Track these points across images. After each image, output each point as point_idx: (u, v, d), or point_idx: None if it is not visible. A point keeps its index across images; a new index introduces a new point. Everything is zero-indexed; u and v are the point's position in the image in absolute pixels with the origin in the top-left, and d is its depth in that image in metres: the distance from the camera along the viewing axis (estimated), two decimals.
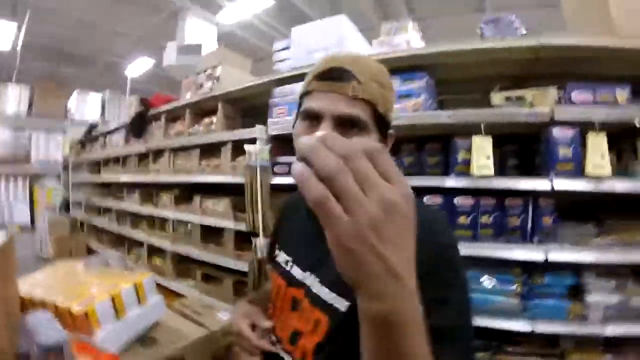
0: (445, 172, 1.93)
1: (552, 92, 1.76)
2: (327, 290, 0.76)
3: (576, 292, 1.73)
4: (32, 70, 10.10)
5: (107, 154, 5.19)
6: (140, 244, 4.16)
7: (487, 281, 1.79)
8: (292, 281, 0.86)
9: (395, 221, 0.35)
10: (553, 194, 1.67)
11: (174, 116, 3.87)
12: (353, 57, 0.79)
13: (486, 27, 1.93)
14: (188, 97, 3.47)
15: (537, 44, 1.68)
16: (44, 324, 0.80)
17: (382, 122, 0.78)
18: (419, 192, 1.90)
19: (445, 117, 1.76)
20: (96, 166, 5.58)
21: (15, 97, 9.79)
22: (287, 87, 2.35)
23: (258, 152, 2.33)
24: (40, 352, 0.70)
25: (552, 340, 1.79)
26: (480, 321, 1.71)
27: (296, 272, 0.86)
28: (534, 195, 1.77)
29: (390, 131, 0.83)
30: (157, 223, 3.93)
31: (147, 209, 4.02)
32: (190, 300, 2.05)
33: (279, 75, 2.44)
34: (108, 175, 5.07)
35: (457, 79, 2.19)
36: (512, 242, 1.80)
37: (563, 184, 1.60)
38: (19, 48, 8.21)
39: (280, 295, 0.89)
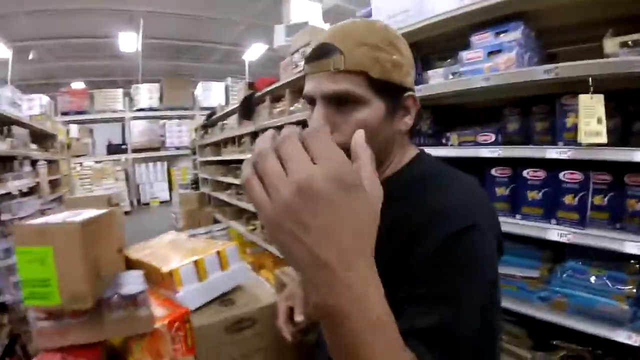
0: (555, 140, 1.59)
1: None
2: None
3: None
4: (158, 68, 11.69)
5: (225, 136, 5.80)
6: (255, 215, 4.60)
7: (594, 278, 1.47)
8: None
9: (314, 205, 0.31)
10: None
11: (277, 96, 4.11)
12: (340, 27, 0.70)
13: None
14: (285, 77, 3.63)
15: None
16: (131, 278, 1.02)
17: (386, 88, 0.68)
18: (521, 163, 1.66)
19: (542, 72, 1.44)
20: (217, 147, 6.30)
21: (147, 93, 11.51)
22: None
23: None
24: (118, 299, 0.91)
25: None
26: (576, 324, 1.45)
27: None
28: None
29: (409, 93, 0.72)
30: None
31: None
32: (289, 268, 2.20)
33: None
34: (227, 155, 5.69)
35: (568, 26, 1.81)
36: (629, 231, 1.42)
37: None
38: (140, 49, 9.52)
39: None
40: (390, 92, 0.69)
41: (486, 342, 0.61)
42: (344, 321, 0.34)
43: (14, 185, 3.40)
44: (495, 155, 1.64)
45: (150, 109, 11.64)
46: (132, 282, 0.99)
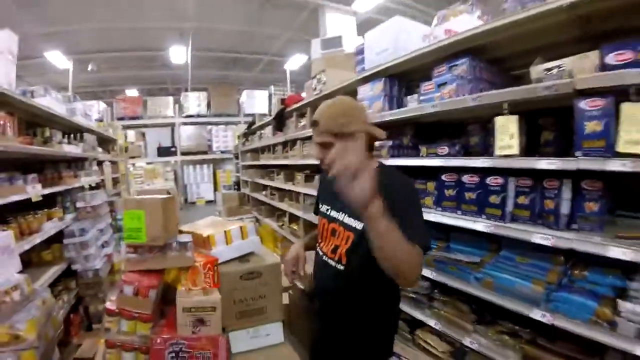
0: None
1: (592, 57, 1.53)
2: (352, 219, 1.43)
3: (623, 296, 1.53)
4: (206, 77, 12.78)
5: (262, 144, 6.52)
6: (285, 213, 5.28)
7: (517, 265, 1.91)
8: (331, 219, 1.54)
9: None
10: (601, 176, 1.56)
11: (302, 112, 4.73)
12: (322, 108, 1.43)
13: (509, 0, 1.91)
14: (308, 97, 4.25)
15: (559, 5, 1.55)
16: (184, 236, 1.59)
17: (341, 134, 1.37)
18: (463, 171, 2.08)
19: (470, 100, 1.87)
20: (256, 153, 7.04)
21: (195, 100, 12.54)
22: (367, 85, 2.77)
23: None
24: (176, 244, 1.53)
25: (595, 348, 1.60)
26: (500, 301, 1.82)
27: (334, 214, 1.54)
28: (580, 177, 1.66)
29: (356, 132, 1.40)
30: (293, 196, 4.91)
31: (287, 186, 5.03)
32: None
33: (358, 76, 2.90)
34: (264, 160, 6.38)
35: (528, 50, 2.13)
36: (546, 226, 1.74)
37: (590, 164, 1.45)
38: (189, 62, 10.55)
39: (324, 229, 1.58)
40: (342, 136, 1.37)
41: (425, 227, 1.32)
42: (378, 219, 1.02)
43: (85, 180, 4.23)
44: (441, 164, 2.09)
45: (198, 115, 12.74)
46: (185, 238, 1.58)
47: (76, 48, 9.54)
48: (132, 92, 13.16)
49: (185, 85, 12.87)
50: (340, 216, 1.49)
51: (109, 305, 1.52)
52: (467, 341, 2.04)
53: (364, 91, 2.80)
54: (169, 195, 1.63)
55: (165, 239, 1.50)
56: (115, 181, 6.26)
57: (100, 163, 5.38)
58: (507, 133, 1.77)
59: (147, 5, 8.04)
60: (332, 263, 1.50)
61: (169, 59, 10.58)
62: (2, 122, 2.49)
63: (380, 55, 2.54)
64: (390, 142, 2.51)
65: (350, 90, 3.12)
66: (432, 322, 2.26)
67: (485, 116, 2.09)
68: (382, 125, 2.75)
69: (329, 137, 1.38)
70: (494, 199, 1.90)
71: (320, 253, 1.59)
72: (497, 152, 1.79)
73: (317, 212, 1.71)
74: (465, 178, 2.04)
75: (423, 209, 2.25)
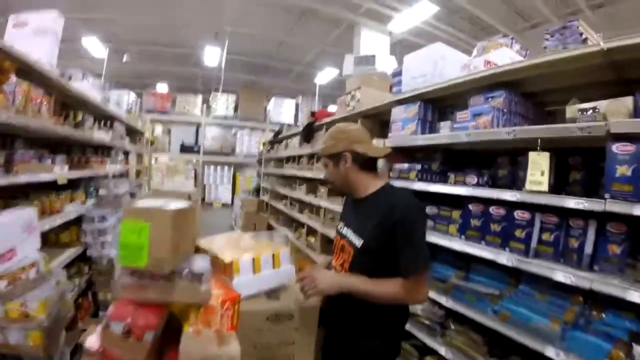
0: None
1: (627, 102, 1.61)
2: (355, 236, 1.56)
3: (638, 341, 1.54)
4: (236, 81, 12.99)
5: (287, 154, 6.68)
6: (302, 225, 5.37)
7: (536, 301, 1.93)
8: (342, 236, 1.66)
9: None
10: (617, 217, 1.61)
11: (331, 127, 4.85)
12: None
13: (551, 39, 1.99)
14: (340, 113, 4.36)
15: (598, 49, 1.65)
16: (200, 261, 1.23)
17: (330, 155, 1.61)
18: (490, 202, 2.14)
19: (504, 134, 1.93)
20: (280, 162, 7.19)
21: (224, 103, 12.86)
22: (401, 107, 2.85)
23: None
24: (187, 273, 1.16)
25: None
26: (515, 335, 1.83)
27: (344, 230, 1.66)
28: (605, 218, 1.70)
29: (344, 153, 1.57)
30: (314, 209, 5.00)
31: (309, 198, 5.12)
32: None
33: (393, 98, 2.98)
34: (287, 170, 6.52)
35: (553, 89, 2.24)
36: (568, 265, 1.77)
37: (617, 207, 1.49)
38: (223, 65, 10.80)
39: (337, 244, 1.71)
40: (332, 157, 1.59)
41: (428, 256, 1.44)
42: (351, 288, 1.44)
43: (111, 168, 4.29)
44: (469, 194, 2.14)
45: (225, 118, 13.05)
46: (201, 264, 1.21)
47: (113, 37, 9.83)
48: (162, 87, 13.45)
49: (214, 86, 13.19)
50: (348, 233, 1.62)
51: (89, 343, 1.15)
52: None
53: (397, 112, 2.88)
54: (187, 205, 1.27)
55: (173, 264, 1.14)
56: (138, 173, 6.40)
57: (126, 153, 5.47)
58: (539, 169, 1.83)
59: (186, 3, 8.29)
60: None
61: (202, 59, 10.86)
62: (38, 101, 2.51)
63: (418, 80, 2.64)
64: (419, 166, 2.57)
65: (384, 111, 3.23)
66: (442, 350, 2.28)
67: (516, 149, 2.14)
68: (413, 148, 2.87)
69: (325, 159, 1.64)
70: (519, 232, 1.95)
71: (332, 267, 1.71)
72: (527, 186, 1.84)
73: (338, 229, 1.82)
74: (492, 209, 2.09)
75: (446, 237, 2.35)
